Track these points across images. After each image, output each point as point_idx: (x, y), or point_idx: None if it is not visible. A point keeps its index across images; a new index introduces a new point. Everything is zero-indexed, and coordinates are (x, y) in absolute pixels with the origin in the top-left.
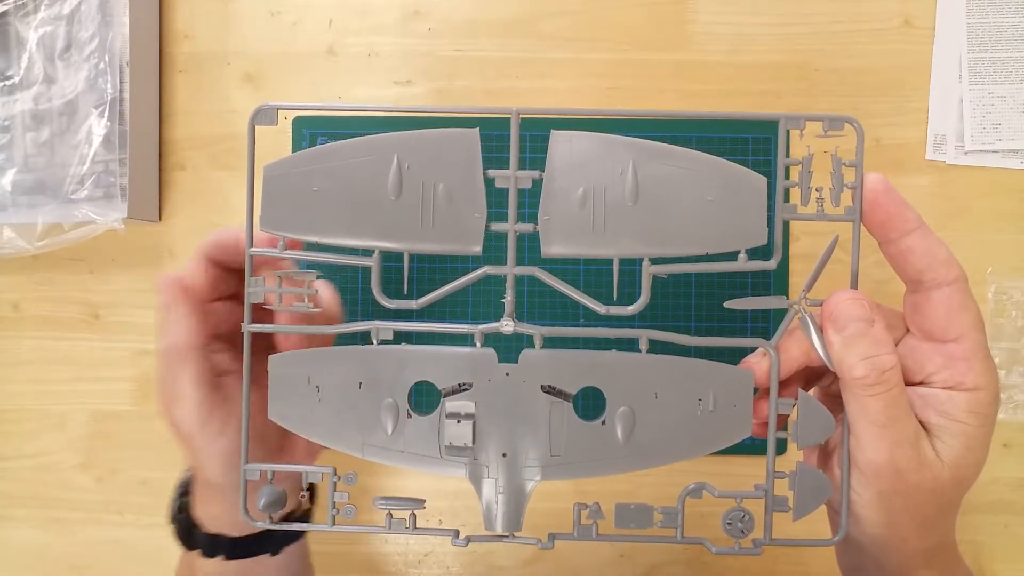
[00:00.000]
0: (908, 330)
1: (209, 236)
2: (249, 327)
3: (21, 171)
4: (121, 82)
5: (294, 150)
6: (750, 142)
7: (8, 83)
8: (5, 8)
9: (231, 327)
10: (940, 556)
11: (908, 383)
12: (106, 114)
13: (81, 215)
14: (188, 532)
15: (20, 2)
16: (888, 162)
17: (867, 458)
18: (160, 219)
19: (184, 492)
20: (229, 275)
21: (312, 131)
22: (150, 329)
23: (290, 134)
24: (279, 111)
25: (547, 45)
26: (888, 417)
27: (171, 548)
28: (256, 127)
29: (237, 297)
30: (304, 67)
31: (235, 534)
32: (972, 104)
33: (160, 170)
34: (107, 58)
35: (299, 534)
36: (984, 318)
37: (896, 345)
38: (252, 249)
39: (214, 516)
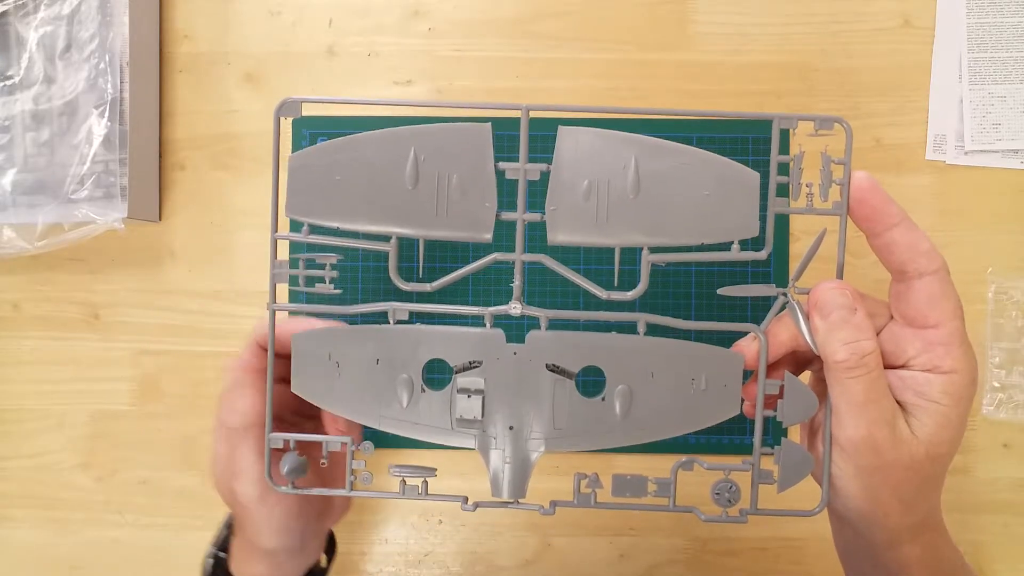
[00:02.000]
0: (892, 317)
1: (260, 325)
2: (273, 306)
3: (21, 171)
4: (121, 82)
5: (294, 148)
6: (750, 142)
7: (8, 83)
8: (5, 8)
9: (286, 409)
10: (926, 534)
11: (890, 366)
12: (106, 114)
13: (81, 215)
14: None
15: (20, 2)
16: (888, 162)
17: (847, 435)
18: (160, 219)
19: (221, 549)
20: (278, 360)
21: (312, 131)
22: (150, 329)
23: (290, 133)
24: (302, 103)
25: (547, 45)
26: (867, 398)
27: (171, 548)
28: (260, 120)
29: (286, 381)
30: (304, 67)
31: None
32: (972, 104)
33: (160, 170)
34: (107, 58)
35: (326, 572)
36: (984, 318)
37: (881, 331)
38: (276, 234)
39: (255, 575)
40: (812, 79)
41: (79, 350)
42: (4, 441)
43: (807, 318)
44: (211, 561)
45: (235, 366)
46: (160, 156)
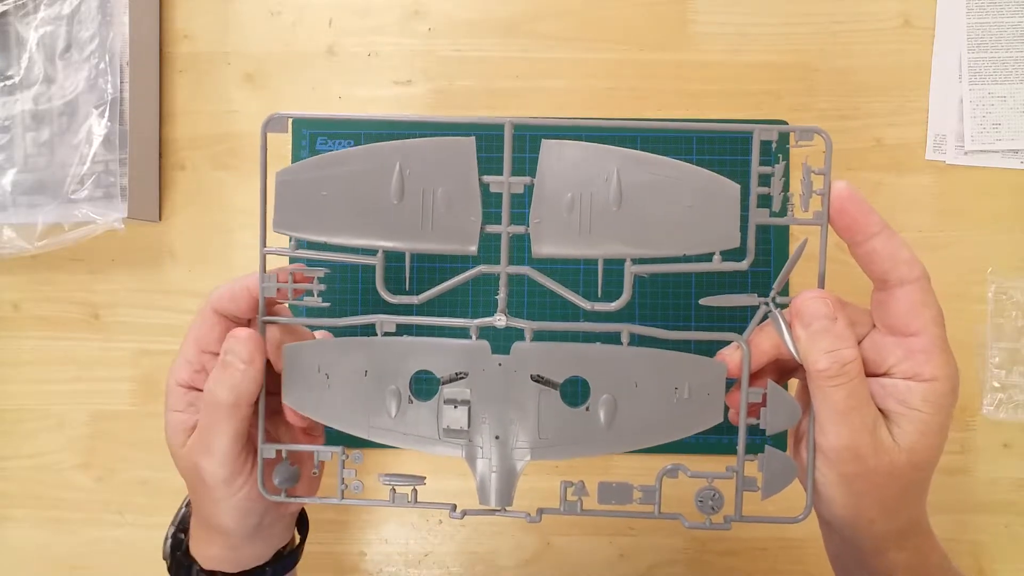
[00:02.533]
0: (875, 326)
1: (217, 290)
2: (264, 319)
3: (21, 171)
4: (121, 82)
5: (294, 148)
6: (750, 142)
7: (8, 83)
8: (5, 8)
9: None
10: (912, 540)
11: (872, 374)
12: (106, 114)
13: (81, 215)
14: (185, 569)
15: (20, 2)
16: (888, 162)
17: (829, 443)
18: (160, 219)
19: (181, 529)
20: (237, 326)
21: (312, 131)
22: (150, 329)
23: (290, 134)
24: (289, 119)
25: (547, 45)
26: (848, 406)
27: None
28: (260, 120)
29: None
30: (304, 67)
31: (232, 571)
32: (972, 104)
33: (160, 170)
34: (107, 58)
35: (287, 567)
36: (984, 318)
37: (863, 339)
38: (265, 248)
39: (212, 556)
40: (812, 79)
41: (79, 350)
42: (4, 441)
43: (790, 327)
44: (170, 542)
45: (247, 338)
46: (160, 156)
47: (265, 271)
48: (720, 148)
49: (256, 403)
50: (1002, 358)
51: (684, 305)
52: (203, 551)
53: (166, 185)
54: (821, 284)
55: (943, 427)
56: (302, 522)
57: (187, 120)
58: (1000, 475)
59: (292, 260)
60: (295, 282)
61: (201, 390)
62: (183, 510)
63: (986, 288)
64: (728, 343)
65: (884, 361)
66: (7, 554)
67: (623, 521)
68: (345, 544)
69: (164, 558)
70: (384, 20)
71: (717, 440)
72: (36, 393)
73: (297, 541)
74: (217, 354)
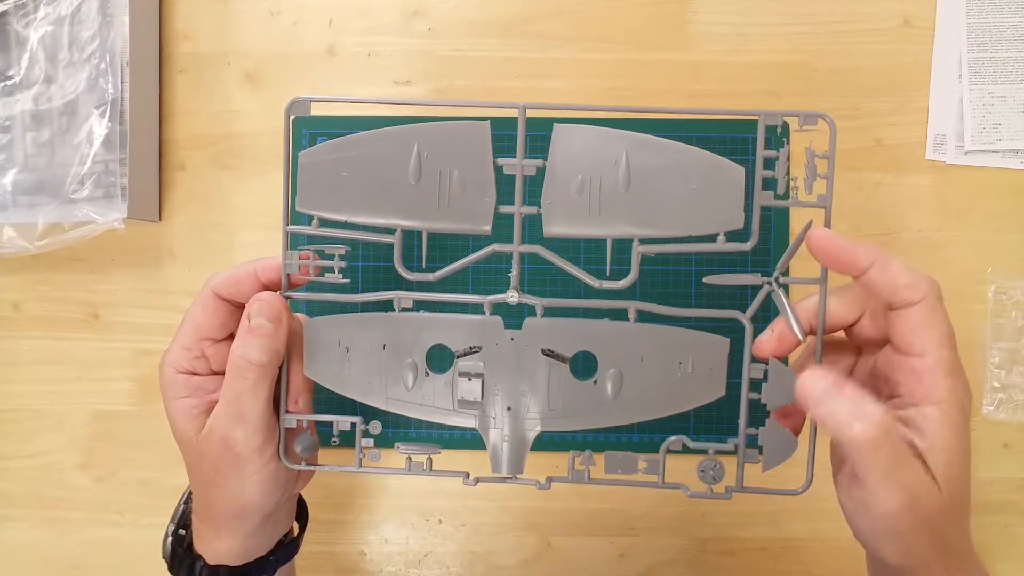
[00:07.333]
0: (890, 342)
1: (216, 275)
2: (285, 294)
3: (21, 171)
4: (121, 82)
5: (294, 148)
6: (750, 142)
7: (8, 83)
8: (5, 8)
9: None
10: (962, 571)
11: (884, 396)
12: (106, 114)
13: (81, 215)
14: (187, 566)
15: (20, 2)
16: (888, 162)
17: (885, 507)
18: (160, 219)
19: (181, 526)
20: (237, 312)
21: (312, 131)
22: (150, 329)
23: (291, 133)
24: (311, 102)
25: (547, 45)
26: (894, 462)
27: None
28: (260, 120)
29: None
30: (304, 67)
31: (237, 564)
32: (972, 104)
33: (160, 170)
34: (107, 58)
35: (290, 555)
36: (984, 318)
37: (879, 355)
38: (288, 227)
39: (221, 549)
40: (812, 79)
41: (79, 350)
42: (4, 441)
43: (791, 305)
44: (171, 539)
45: (275, 298)
46: (160, 156)
47: (288, 249)
48: (720, 149)
49: (280, 368)
50: (1002, 358)
51: (685, 283)
52: (211, 545)
53: (166, 185)
54: (824, 276)
55: (966, 452)
56: (301, 512)
57: (187, 120)
58: (1000, 475)
59: (304, 239)
60: (315, 260)
61: (200, 374)
62: (182, 507)
63: (986, 288)
64: (731, 320)
65: (894, 378)
66: (7, 554)
67: (623, 521)
68: (345, 544)
69: (164, 557)
70: (384, 20)
71: (718, 440)
72: (36, 393)
73: (296, 530)
74: (218, 340)
